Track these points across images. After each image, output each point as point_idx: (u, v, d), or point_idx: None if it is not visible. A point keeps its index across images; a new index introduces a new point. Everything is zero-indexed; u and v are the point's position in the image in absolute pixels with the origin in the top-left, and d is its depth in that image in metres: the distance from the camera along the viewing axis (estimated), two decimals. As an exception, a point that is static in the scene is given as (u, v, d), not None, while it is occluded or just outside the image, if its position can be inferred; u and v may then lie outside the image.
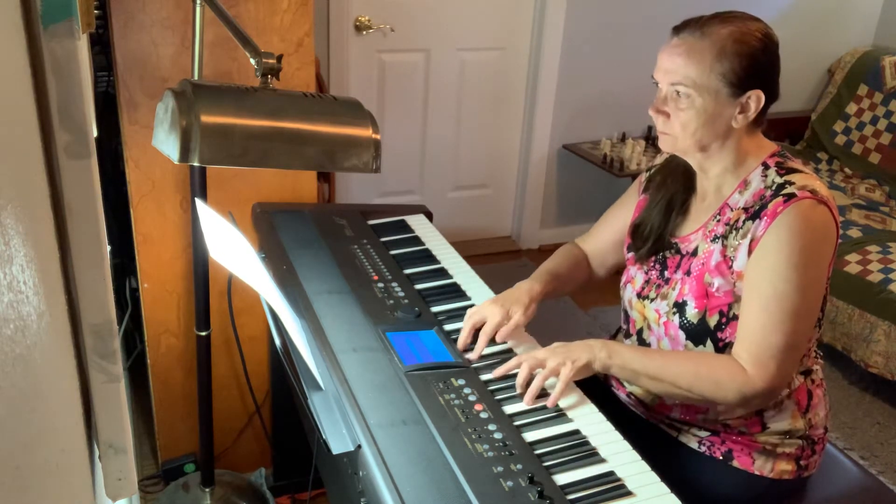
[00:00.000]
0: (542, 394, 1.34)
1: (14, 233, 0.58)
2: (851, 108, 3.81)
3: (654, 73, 1.39)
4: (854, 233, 3.11)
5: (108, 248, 1.16)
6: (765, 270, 1.32)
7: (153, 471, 2.25)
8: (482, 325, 1.47)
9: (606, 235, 1.69)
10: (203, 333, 1.85)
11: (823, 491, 1.54)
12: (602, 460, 1.21)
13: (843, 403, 2.83)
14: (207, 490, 2.03)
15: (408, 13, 3.32)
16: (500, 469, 1.15)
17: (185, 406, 2.12)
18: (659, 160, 1.61)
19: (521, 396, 1.34)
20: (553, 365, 1.34)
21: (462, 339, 1.47)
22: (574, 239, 1.77)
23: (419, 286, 1.67)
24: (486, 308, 1.50)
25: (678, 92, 1.35)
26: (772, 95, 1.37)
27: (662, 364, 1.37)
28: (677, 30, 1.37)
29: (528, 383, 1.34)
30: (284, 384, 2.03)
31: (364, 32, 3.27)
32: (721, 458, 1.45)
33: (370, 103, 3.31)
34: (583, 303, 3.27)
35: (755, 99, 1.34)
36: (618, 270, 1.67)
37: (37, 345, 0.63)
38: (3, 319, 0.52)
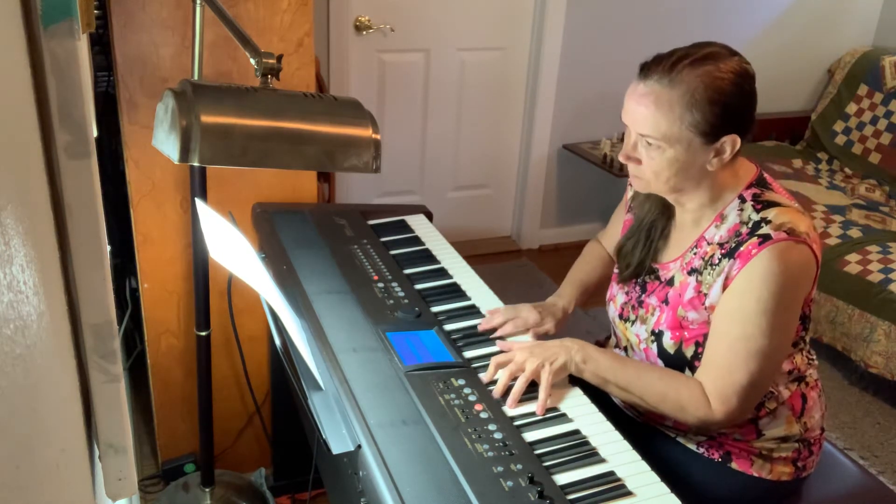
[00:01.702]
0: (533, 389, 1.35)
1: (14, 233, 0.58)
2: (851, 108, 3.81)
3: (623, 116, 1.34)
4: (854, 233, 3.11)
5: (108, 248, 1.16)
6: (735, 311, 1.30)
7: (153, 471, 2.25)
8: (511, 320, 1.54)
9: (615, 235, 1.69)
10: (203, 333, 1.85)
11: (823, 491, 1.54)
12: (602, 460, 1.21)
13: (843, 403, 2.83)
14: (207, 490, 2.03)
15: (408, 13, 3.32)
16: (500, 469, 1.15)
17: (185, 406, 2.12)
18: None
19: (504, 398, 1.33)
20: (532, 368, 1.34)
21: (491, 322, 1.54)
22: (595, 233, 1.82)
23: (419, 286, 1.67)
24: (524, 308, 1.57)
25: (648, 142, 1.30)
26: (747, 133, 1.31)
27: (633, 379, 1.37)
28: (644, 73, 1.29)
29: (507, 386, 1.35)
30: (284, 384, 2.03)
31: (364, 32, 3.27)
32: (719, 459, 1.45)
33: (370, 103, 3.31)
34: (583, 303, 3.27)
35: (730, 143, 1.29)
36: None
37: (37, 345, 0.63)
38: (3, 319, 0.52)
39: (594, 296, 1.72)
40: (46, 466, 0.65)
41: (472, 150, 3.69)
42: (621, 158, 1.37)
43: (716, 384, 1.32)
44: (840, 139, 3.82)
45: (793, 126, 4.02)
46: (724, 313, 1.32)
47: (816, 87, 4.10)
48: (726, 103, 1.26)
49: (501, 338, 1.52)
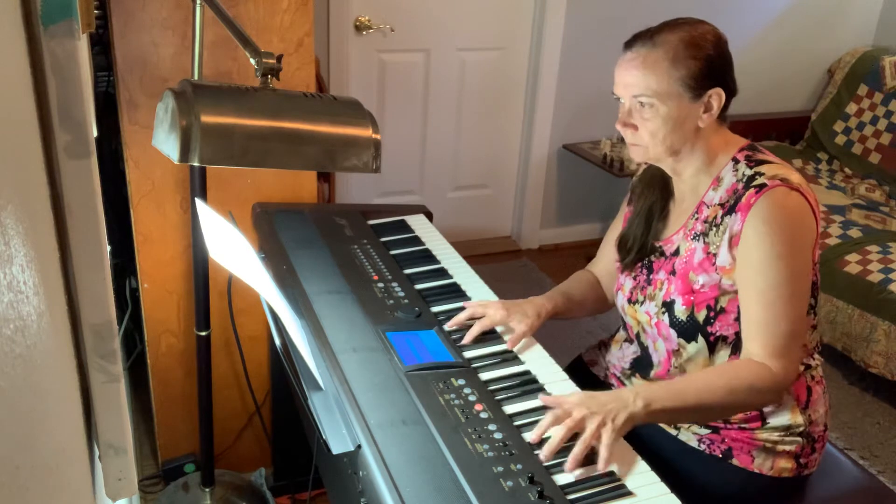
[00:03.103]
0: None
1: (14, 233, 0.58)
2: (851, 108, 3.81)
3: (614, 89, 1.43)
4: (854, 233, 3.11)
5: (108, 248, 1.16)
6: (753, 266, 1.35)
7: (153, 471, 2.25)
8: (478, 318, 1.52)
9: (609, 257, 1.67)
10: (203, 333, 1.85)
11: (823, 490, 1.54)
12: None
13: (843, 403, 2.83)
14: (207, 490, 2.03)
15: (408, 13, 3.32)
16: (500, 469, 1.15)
17: (185, 406, 2.12)
18: (634, 179, 1.64)
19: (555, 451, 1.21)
20: (593, 428, 1.21)
21: (456, 321, 1.52)
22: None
23: (419, 286, 1.67)
24: (491, 306, 1.54)
25: (641, 103, 1.38)
26: (731, 91, 1.41)
27: (697, 391, 1.33)
28: (629, 44, 1.42)
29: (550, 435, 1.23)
30: (284, 384, 2.03)
31: (364, 32, 3.27)
32: (720, 455, 1.46)
33: (370, 103, 3.31)
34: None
35: (716, 97, 1.38)
36: None
37: (37, 345, 0.63)
38: (3, 319, 0.52)
39: (575, 312, 1.66)
40: (46, 466, 0.65)
41: (472, 150, 3.69)
42: (618, 126, 1.43)
43: (767, 345, 1.34)
44: (840, 139, 3.82)
45: (793, 126, 4.02)
46: (744, 271, 1.36)
47: (816, 87, 4.10)
48: (707, 56, 1.37)
49: (505, 342, 1.50)
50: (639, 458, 1.23)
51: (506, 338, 1.50)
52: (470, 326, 1.51)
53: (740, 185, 1.38)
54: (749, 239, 1.35)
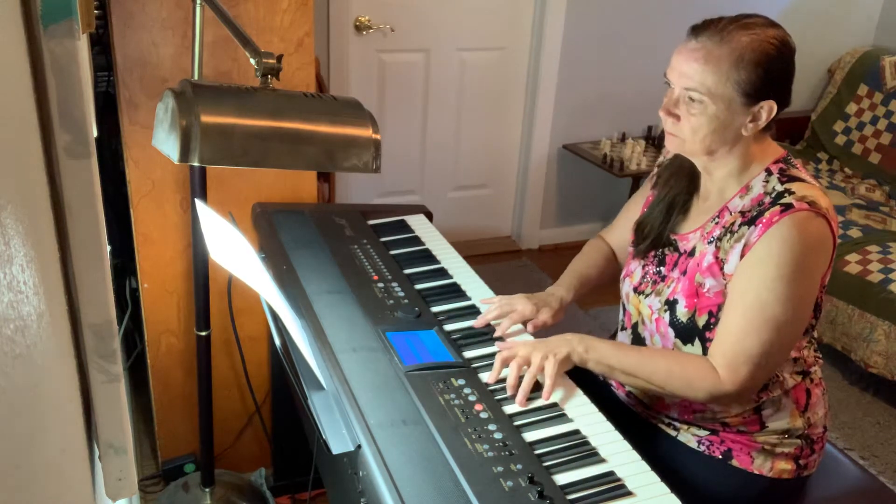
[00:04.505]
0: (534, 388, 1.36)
1: (14, 233, 0.58)
2: (851, 108, 3.81)
3: (668, 73, 1.38)
4: (854, 233, 3.11)
5: (108, 248, 1.16)
6: (752, 279, 1.32)
7: (153, 471, 2.25)
8: (507, 315, 1.54)
9: (624, 229, 1.69)
10: (203, 333, 1.85)
11: (823, 491, 1.54)
12: (602, 460, 1.21)
13: (843, 403, 2.83)
14: (207, 490, 2.03)
15: (408, 13, 3.32)
16: (500, 469, 1.15)
17: (185, 406, 2.12)
18: (661, 158, 1.61)
19: (513, 397, 1.35)
20: (538, 361, 1.36)
21: (484, 319, 1.54)
22: (596, 233, 1.82)
23: (419, 286, 1.67)
24: (518, 300, 1.56)
25: (691, 97, 1.34)
26: (784, 104, 1.37)
27: (638, 361, 1.39)
28: (696, 32, 1.35)
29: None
30: (284, 384, 2.03)
31: (364, 32, 3.27)
32: (720, 457, 1.45)
33: (370, 103, 3.31)
34: (583, 303, 3.27)
35: (767, 109, 1.34)
36: None
37: (37, 345, 0.63)
38: (3, 319, 0.52)
39: (594, 290, 1.70)
40: (46, 466, 0.65)
41: (472, 150, 3.69)
42: (661, 113, 1.39)
43: (725, 354, 1.33)
44: (840, 139, 3.82)
45: (793, 126, 4.02)
46: (740, 280, 1.34)
47: (816, 87, 4.10)
48: (770, 67, 1.32)
49: (501, 338, 1.51)
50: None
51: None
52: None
53: (767, 199, 1.34)
54: (759, 253, 1.31)
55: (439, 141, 3.61)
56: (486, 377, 1.38)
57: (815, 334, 1.47)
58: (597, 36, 3.56)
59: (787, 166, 1.40)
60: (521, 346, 1.40)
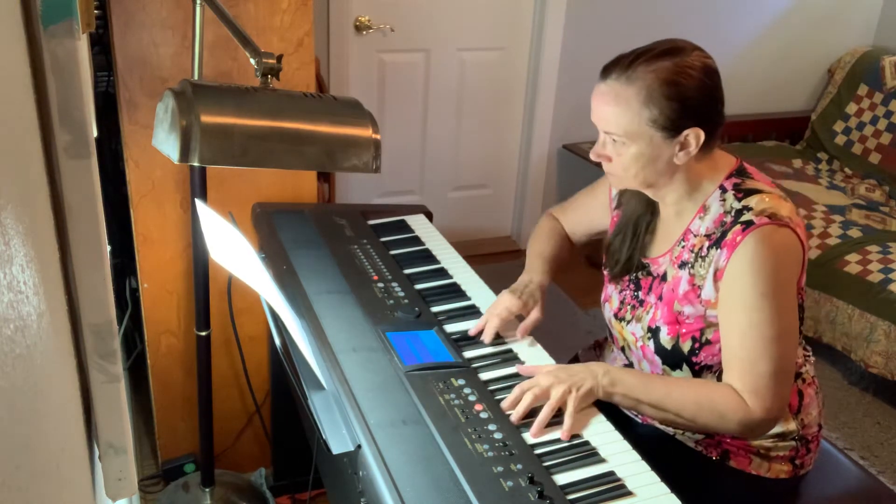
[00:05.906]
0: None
1: (14, 233, 0.58)
2: (851, 108, 3.81)
3: (591, 116, 1.36)
4: (854, 233, 3.11)
5: (108, 248, 1.16)
6: (735, 303, 1.30)
7: (153, 471, 2.25)
8: (496, 315, 1.51)
9: (578, 218, 1.73)
10: (203, 333, 1.85)
11: (823, 491, 1.54)
12: (602, 460, 1.21)
13: (843, 403, 2.83)
14: (207, 490, 2.03)
15: (408, 13, 3.32)
16: (500, 469, 1.15)
17: (185, 406, 2.12)
18: None
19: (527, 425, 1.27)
20: (558, 395, 1.28)
21: (477, 329, 1.50)
22: (551, 212, 1.80)
23: (419, 286, 1.67)
24: (506, 299, 1.54)
25: (613, 140, 1.33)
26: (715, 125, 1.32)
27: (665, 394, 1.33)
28: (605, 73, 1.34)
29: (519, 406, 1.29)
30: (284, 384, 2.03)
31: (364, 32, 3.27)
32: (718, 458, 1.45)
33: (370, 103, 3.31)
34: (583, 303, 3.27)
35: (694, 136, 1.29)
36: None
37: (37, 345, 0.63)
38: (3, 319, 0.52)
39: (560, 270, 1.70)
40: (46, 466, 0.65)
41: (472, 150, 3.69)
42: (592, 157, 1.38)
43: (744, 380, 1.30)
44: (840, 139, 3.82)
45: (793, 126, 4.02)
46: (725, 307, 1.32)
47: (816, 87, 4.10)
48: (685, 96, 1.27)
49: (521, 361, 1.47)
50: (636, 453, 1.24)
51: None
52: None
53: (728, 218, 1.32)
54: (733, 276, 1.30)
55: (439, 141, 3.61)
56: (486, 377, 1.38)
57: (801, 332, 1.46)
58: (597, 36, 3.56)
59: (740, 179, 1.36)
60: (542, 376, 1.32)
